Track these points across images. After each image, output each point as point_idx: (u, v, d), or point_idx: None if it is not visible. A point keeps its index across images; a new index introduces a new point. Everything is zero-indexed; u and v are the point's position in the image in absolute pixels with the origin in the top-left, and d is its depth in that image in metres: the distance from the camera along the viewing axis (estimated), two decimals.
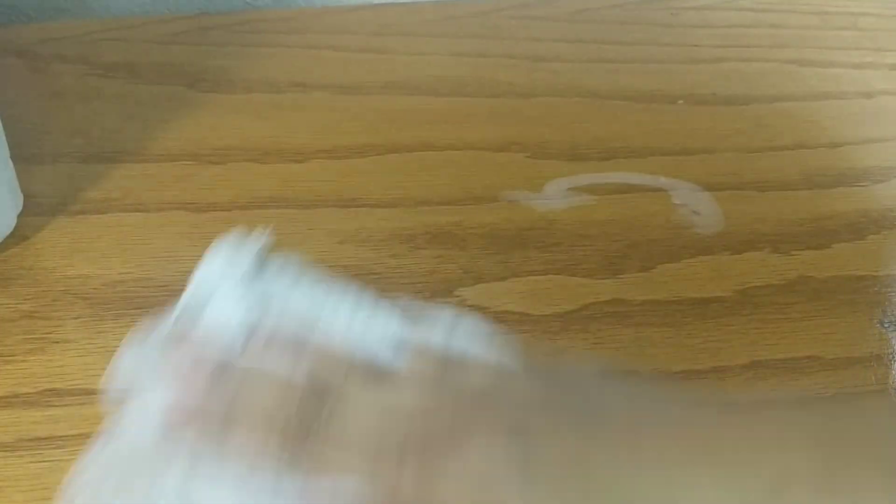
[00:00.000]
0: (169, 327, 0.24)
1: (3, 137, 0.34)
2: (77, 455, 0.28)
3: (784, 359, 0.35)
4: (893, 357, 0.35)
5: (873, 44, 0.56)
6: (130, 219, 0.37)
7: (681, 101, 0.49)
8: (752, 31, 0.57)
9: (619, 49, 0.53)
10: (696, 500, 0.19)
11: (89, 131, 0.41)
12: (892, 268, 0.39)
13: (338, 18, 0.48)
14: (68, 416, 0.29)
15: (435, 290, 0.36)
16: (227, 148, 0.42)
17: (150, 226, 0.36)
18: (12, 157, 0.35)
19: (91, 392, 0.30)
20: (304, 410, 0.23)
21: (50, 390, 0.30)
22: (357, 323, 0.24)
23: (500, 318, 0.35)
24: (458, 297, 0.36)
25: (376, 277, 0.36)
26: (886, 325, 0.36)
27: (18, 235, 0.35)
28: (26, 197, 0.36)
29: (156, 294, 0.34)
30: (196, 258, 0.35)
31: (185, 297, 0.25)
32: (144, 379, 0.23)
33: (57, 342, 0.32)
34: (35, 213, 0.36)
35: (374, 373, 0.24)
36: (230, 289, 0.26)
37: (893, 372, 0.35)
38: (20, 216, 0.35)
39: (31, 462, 0.28)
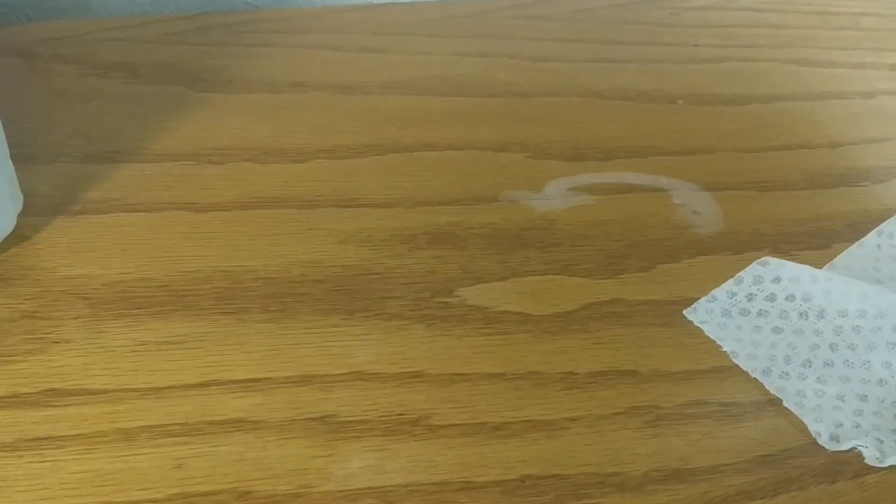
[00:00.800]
0: None
1: (3, 137, 0.34)
2: (77, 455, 0.28)
3: None
4: None
5: (874, 44, 0.56)
6: (130, 219, 0.37)
7: (681, 101, 0.49)
8: (753, 31, 0.57)
9: (619, 49, 0.53)
10: None
11: (89, 131, 0.41)
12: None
13: (338, 18, 0.48)
14: (68, 416, 0.29)
15: (435, 290, 0.36)
16: (227, 148, 0.42)
17: (150, 226, 0.36)
18: (12, 157, 0.35)
19: (91, 392, 0.30)
20: None
21: (50, 390, 0.30)
22: None
23: (500, 317, 0.35)
24: (458, 297, 0.36)
25: (376, 277, 0.36)
26: None
27: (18, 235, 0.35)
28: (26, 197, 0.36)
29: (156, 294, 0.34)
30: (195, 258, 0.35)
31: None
32: None
33: (57, 342, 0.32)
34: (35, 213, 0.36)
35: None
36: None
37: None
38: (20, 216, 0.35)
39: (31, 462, 0.28)
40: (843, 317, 0.35)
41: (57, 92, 0.43)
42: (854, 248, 0.39)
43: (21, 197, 0.36)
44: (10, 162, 0.35)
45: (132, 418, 0.30)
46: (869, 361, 0.34)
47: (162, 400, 0.30)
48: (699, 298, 0.36)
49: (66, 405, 0.30)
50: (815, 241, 0.40)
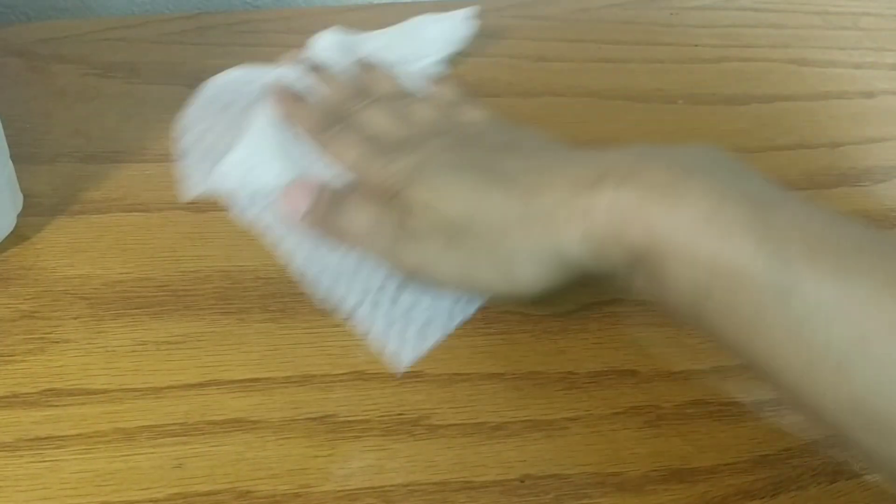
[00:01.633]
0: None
1: (4, 137, 0.34)
2: (77, 455, 0.28)
3: None
4: None
5: (874, 44, 0.56)
6: (130, 219, 0.37)
7: (681, 101, 0.49)
8: (753, 30, 0.57)
9: (619, 49, 0.53)
10: None
11: (89, 131, 0.41)
12: None
13: (338, 18, 0.48)
14: (68, 415, 0.29)
15: None
16: None
17: (150, 226, 0.36)
18: (12, 157, 0.35)
19: (91, 392, 0.30)
20: (343, 105, 0.40)
21: (50, 390, 0.30)
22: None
23: (500, 317, 0.35)
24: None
25: None
26: None
27: (18, 235, 0.35)
28: (26, 197, 0.36)
29: (156, 294, 0.34)
30: (195, 258, 0.35)
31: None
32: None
33: (57, 342, 0.32)
34: (35, 213, 0.36)
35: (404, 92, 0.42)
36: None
37: None
38: (20, 216, 0.35)
39: (31, 462, 0.28)
40: None
41: (57, 92, 0.43)
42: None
43: (21, 197, 0.36)
44: (10, 162, 0.35)
45: (132, 418, 0.30)
46: None
47: (161, 400, 0.30)
48: None
49: (65, 405, 0.30)
50: None
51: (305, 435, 0.30)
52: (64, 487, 0.28)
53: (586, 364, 0.34)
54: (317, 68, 0.43)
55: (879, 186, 0.44)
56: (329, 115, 0.40)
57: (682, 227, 0.26)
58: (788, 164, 0.45)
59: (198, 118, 0.41)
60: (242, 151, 0.38)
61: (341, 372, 0.32)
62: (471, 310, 0.34)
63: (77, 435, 0.29)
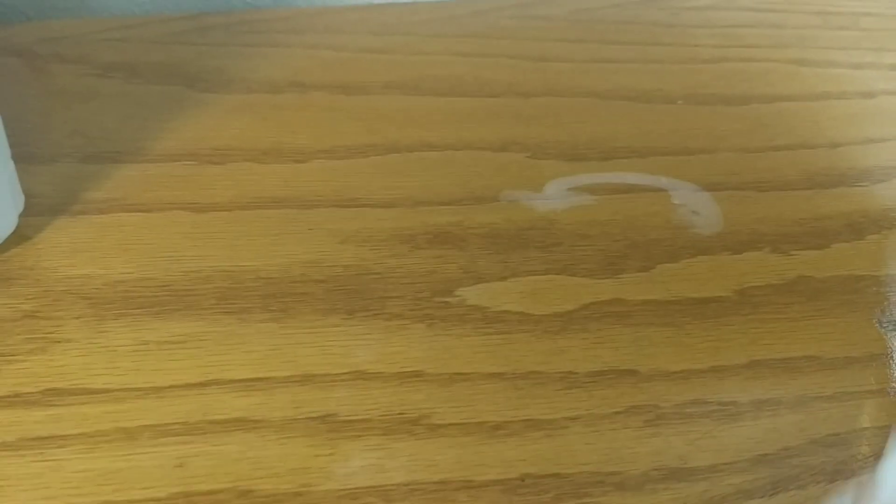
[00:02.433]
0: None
1: (4, 137, 0.34)
2: (79, 454, 0.28)
3: (782, 358, 0.35)
4: (892, 357, 0.35)
5: (874, 44, 0.56)
6: (131, 219, 0.37)
7: (681, 101, 0.49)
8: (753, 31, 0.57)
9: (619, 49, 0.53)
10: None
11: (89, 131, 0.41)
12: (892, 268, 0.39)
13: (338, 18, 0.48)
14: (70, 415, 0.29)
15: (435, 289, 0.36)
16: (227, 148, 0.42)
17: (151, 226, 0.36)
18: (12, 157, 0.35)
19: (93, 391, 0.30)
20: None
21: (51, 390, 0.30)
22: None
23: (500, 317, 0.35)
24: (458, 297, 0.36)
25: (376, 277, 0.36)
26: (885, 325, 0.37)
27: (20, 235, 0.35)
28: (27, 197, 0.36)
29: (157, 294, 0.34)
30: (196, 258, 0.35)
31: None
32: None
33: (58, 342, 0.32)
34: (36, 213, 0.36)
35: None
36: None
37: (892, 372, 0.35)
38: (21, 216, 0.35)
39: (33, 462, 0.28)
40: None
41: (56, 92, 0.43)
42: None
43: (22, 197, 0.36)
44: (12, 162, 0.35)
45: (133, 417, 0.30)
46: None
47: (163, 399, 0.30)
48: (699, 298, 0.36)
49: (67, 405, 0.30)
50: (815, 241, 0.40)
51: (306, 434, 0.30)
52: (66, 487, 0.28)
53: (586, 364, 0.34)
54: None
55: (879, 186, 0.44)
56: None
57: None
58: (788, 164, 0.45)
59: None
60: None
61: (342, 371, 0.32)
62: None
63: (79, 434, 0.29)
